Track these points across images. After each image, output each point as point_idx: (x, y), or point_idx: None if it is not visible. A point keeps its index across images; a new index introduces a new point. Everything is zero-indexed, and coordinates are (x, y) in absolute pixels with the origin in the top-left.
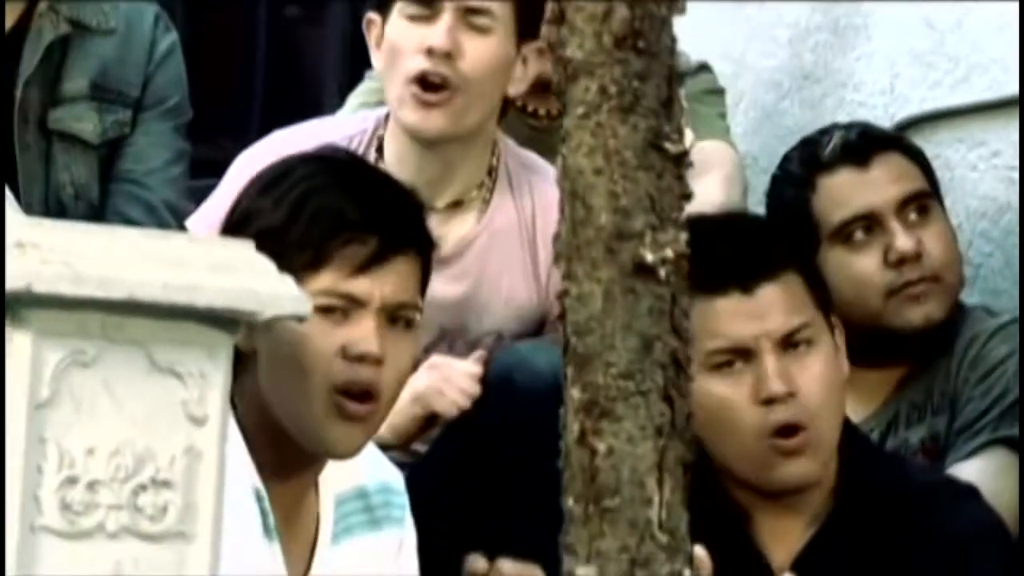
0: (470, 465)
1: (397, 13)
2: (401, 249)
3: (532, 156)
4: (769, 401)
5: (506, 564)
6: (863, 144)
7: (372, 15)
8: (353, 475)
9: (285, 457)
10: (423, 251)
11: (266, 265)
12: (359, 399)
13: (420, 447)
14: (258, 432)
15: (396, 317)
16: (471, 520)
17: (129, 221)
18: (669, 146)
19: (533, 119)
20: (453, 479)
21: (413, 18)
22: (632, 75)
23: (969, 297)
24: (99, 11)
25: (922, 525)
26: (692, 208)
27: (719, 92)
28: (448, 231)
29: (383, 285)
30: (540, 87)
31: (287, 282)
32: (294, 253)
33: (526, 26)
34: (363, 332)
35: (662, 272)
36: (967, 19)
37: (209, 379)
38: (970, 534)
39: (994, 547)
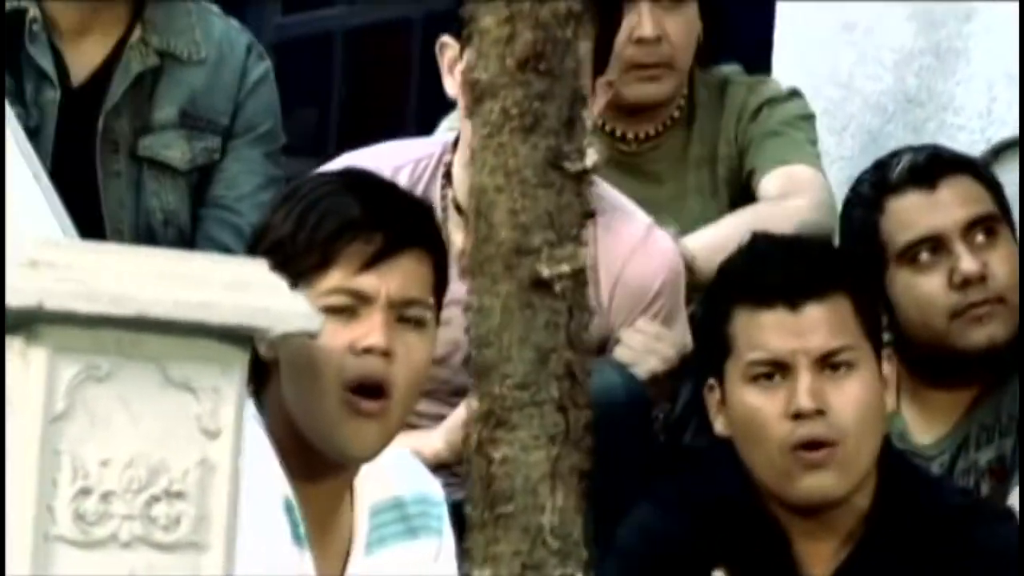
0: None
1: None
2: (407, 246)
3: (594, 179)
4: (798, 416)
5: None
6: (930, 167)
7: (447, 38)
8: (389, 486)
9: (313, 464)
10: (433, 250)
11: (277, 283)
12: (371, 395)
13: None
14: (285, 440)
15: (406, 315)
16: None
17: (220, 246)
18: (569, 165)
19: (622, 143)
20: None
21: None
22: (534, 96)
23: None
24: (191, 42)
25: (957, 546)
26: (782, 228)
27: (810, 118)
28: None
29: (390, 281)
30: (628, 111)
31: (298, 299)
32: (303, 257)
33: (599, 63)
34: (371, 327)
35: (558, 287)
36: None
37: (222, 394)
38: (1002, 555)
39: (1013, 570)
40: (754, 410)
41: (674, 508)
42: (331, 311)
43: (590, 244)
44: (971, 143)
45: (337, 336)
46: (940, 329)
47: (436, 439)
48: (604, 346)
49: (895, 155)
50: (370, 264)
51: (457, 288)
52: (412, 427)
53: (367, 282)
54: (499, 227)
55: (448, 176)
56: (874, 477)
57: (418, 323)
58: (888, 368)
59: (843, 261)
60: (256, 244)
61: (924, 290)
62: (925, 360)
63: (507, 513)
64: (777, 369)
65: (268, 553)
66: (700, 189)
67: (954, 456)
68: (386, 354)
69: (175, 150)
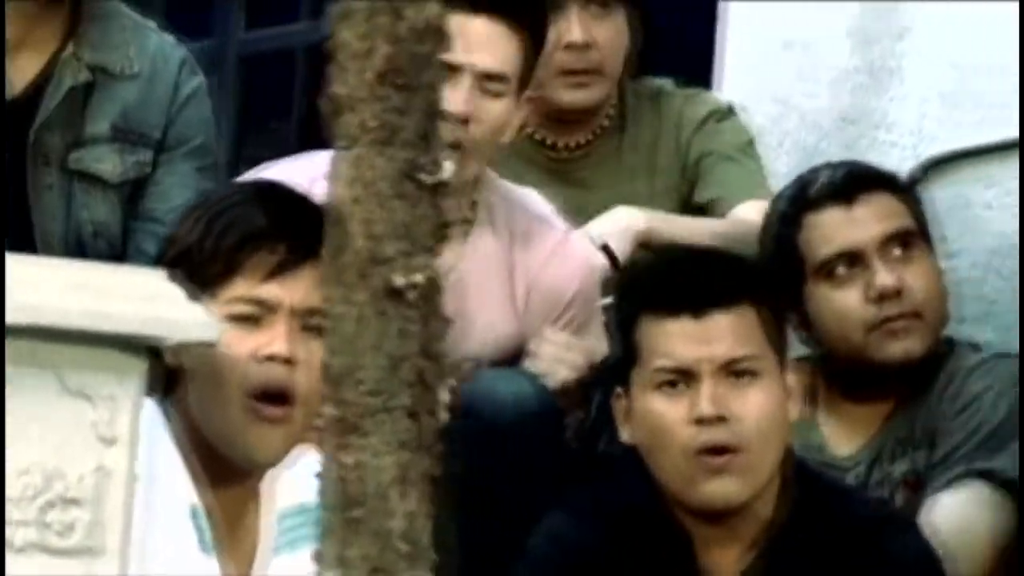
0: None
1: None
2: (310, 256)
3: (513, 188)
4: (700, 421)
5: None
6: (848, 183)
7: None
8: (297, 492)
9: (219, 470)
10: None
11: (176, 292)
12: (274, 402)
13: None
14: (192, 447)
15: (309, 323)
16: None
17: (150, 259)
18: (425, 177)
19: (552, 151)
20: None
21: None
22: (391, 110)
23: (983, 333)
24: (124, 57)
25: (866, 556)
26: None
27: (753, 141)
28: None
29: (293, 291)
30: (558, 119)
31: (196, 309)
32: (208, 266)
33: (525, 81)
34: (273, 335)
35: (411, 296)
36: (988, 60)
37: (119, 402)
38: (912, 566)
39: None
40: (659, 416)
41: (586, 516)
42: (236, 319)
43: (509, 252)
44: (902, 160)
45: (241, 344)
46: (857, 342)
47: None
48: (520, 354)
49: (814, 171)
50: (273, 274)
51: None
52: None
53: (270, 291)
54: (355, 237)
55: None
56: (777, 485)
57: (321, 331)
58: (792, 378)
59: (749, 272)
60: (165, 253)
61: (841, 304)
62: (843, 373)
63: (358, 517)
64: (682, 377)
65: (175, 559)
66: (635, 198)
67: (869, 467)
68: (288, 361)
69: (107, 163)
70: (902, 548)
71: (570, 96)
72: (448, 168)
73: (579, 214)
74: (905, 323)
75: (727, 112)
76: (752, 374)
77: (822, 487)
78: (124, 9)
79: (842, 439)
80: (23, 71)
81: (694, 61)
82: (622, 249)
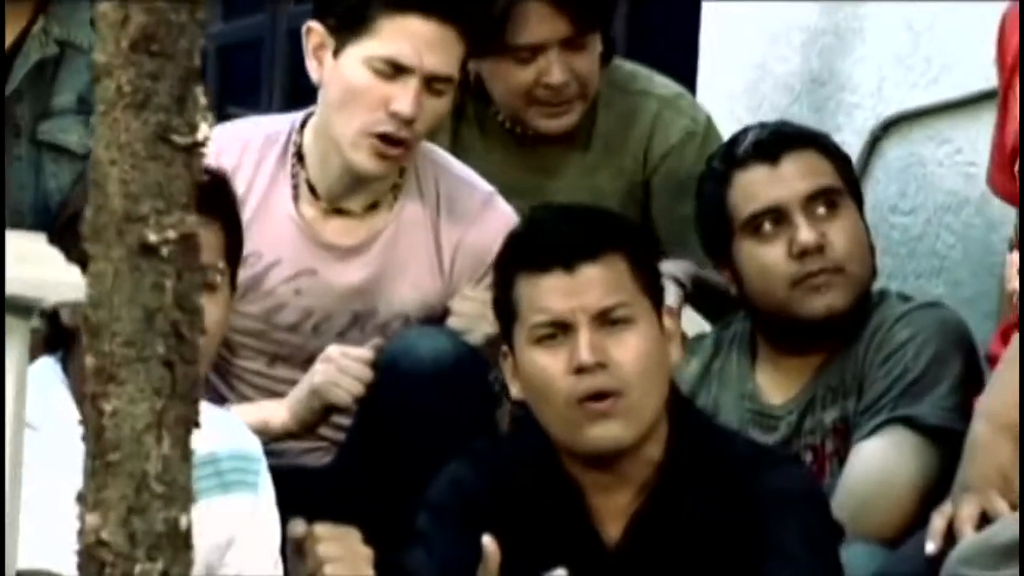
0: (367, 445)
1: (360, 60)
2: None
3: (438, 151)
4: (580, 370)
5: (320, 527)
6: (774, 142)
7: (312, 23)
8: (204, 442)
9: None
10: (223, 218)
11: (54, 255)
12: None
13: (331, 434)
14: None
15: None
16: (377, 498)
17: None
18: (178, 139)
19: (517, 135)
20: (360, 460)
21: (380, 73)
22: (145, 75)
23: (935, 287)
24: (92, 32)
25: (744, 492)
26: None
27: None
28: (362, 226)
29: None
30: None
31: (72, 271)
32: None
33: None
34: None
35: (165, 251)
36: (940, 21)
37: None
38: (774, 498)
39: (796, 510)
40: (540, 369)
41: (483, 464)
42: None
43: (435, 214)
44: (863, 121)
45: None
46: (781, 297)
47: (282, 410)
48: (446, 313)
49: (744, 131)
50: None
51: (307, 259)
52: (272, 393)
53: None
54: (112, 197)
55: (299, 156)
56: (664, 429)
57: (208, 287)
58: (671, 322)
59: (617, 224)
60: (58, 216)
61: (766, 260)
62: (772, 326)
63: (114, 461)
64: (559, 329)
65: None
66: (597, 193)
67: (801, 416)
68: None
69: (72, 134)
70: (780, 481)
71: (547, 124)
72: (204, 130)
73: (537, 198)
74: (827, 278)
75: (699, 133)
76: (626, 321)
77: (705, 429)
78: None
79: (775, 389)
80: None
81: (682, 30)
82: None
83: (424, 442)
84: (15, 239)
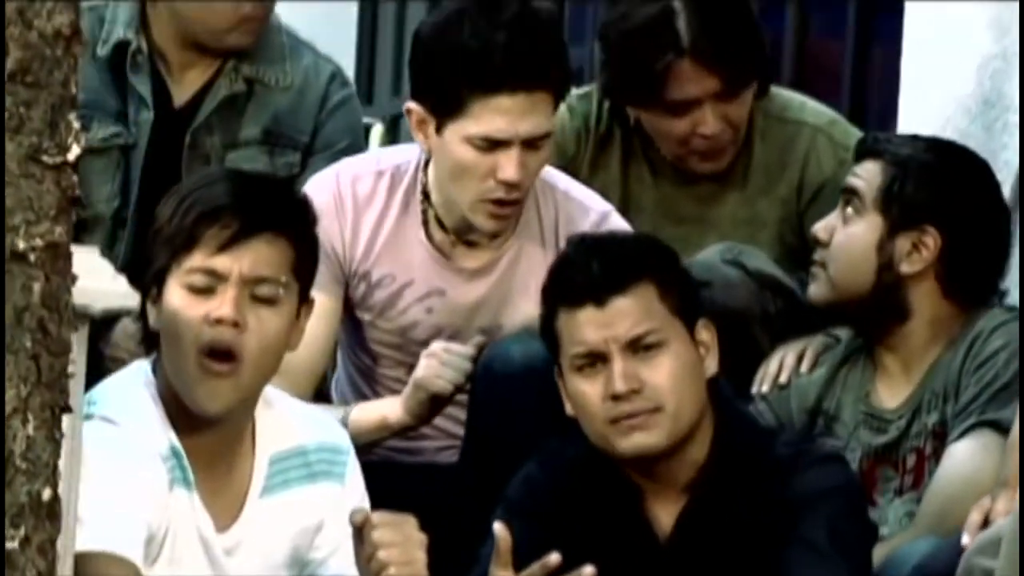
0: (471, 444)
1: (461, 138)
2: (260, 230)
3: (558, 176)
4: (615, 398)
5: (377, 514)
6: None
7: (413, 106)
8: (292, 436)
9: (194, 418)
10: (291, 233)
11: (104, 266)
12: (221, 359)
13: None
14: (169, 398)
15: (257, 292)
16: (480, 494)
17: None
18: (48, 159)
19: (676, 170)
20: (469, 458)
21: (481, 148)
22: (20, 103)
23: None
24: (281, 71)
25: (783, 491)
26: None
27: None
28: (487, 249)
29: (241, 261)
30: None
31: (119, 280)
32: (174, 239)
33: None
34: (223, 301)
35: (32, 257)
36: None
37: None
38: (807, 494)
39: (825, 505)
40: (581, 395)
41: (553, 463)
42: (192, 287)
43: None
44: None
45: (196, 308)
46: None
47: (397, 406)
48: None
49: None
50: (225, 246)
51: (436, 280)
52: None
53: (221, 262)
54: None
55: (425, 193)
56: (709, 431)
57: (269, 301)
58: (707, 335)
59: (644, 251)
60: (149, 228)
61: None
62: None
63: None
64: (595, 359)
65: (147, 493)
66: (755, 220)
67: (910, 419)
68: (236, 324)
69: (257, 163)
70: (815, 479)
71: (703, 167)
72: (75, 150)
73: (700, 226)
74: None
75: (851, 161)
76: (658, 345)
77: (748, 431)
78: (285, 29)
79: (892, 393)
80: (191, 83)
81: None
82: None
83: (516, 441)
84: None
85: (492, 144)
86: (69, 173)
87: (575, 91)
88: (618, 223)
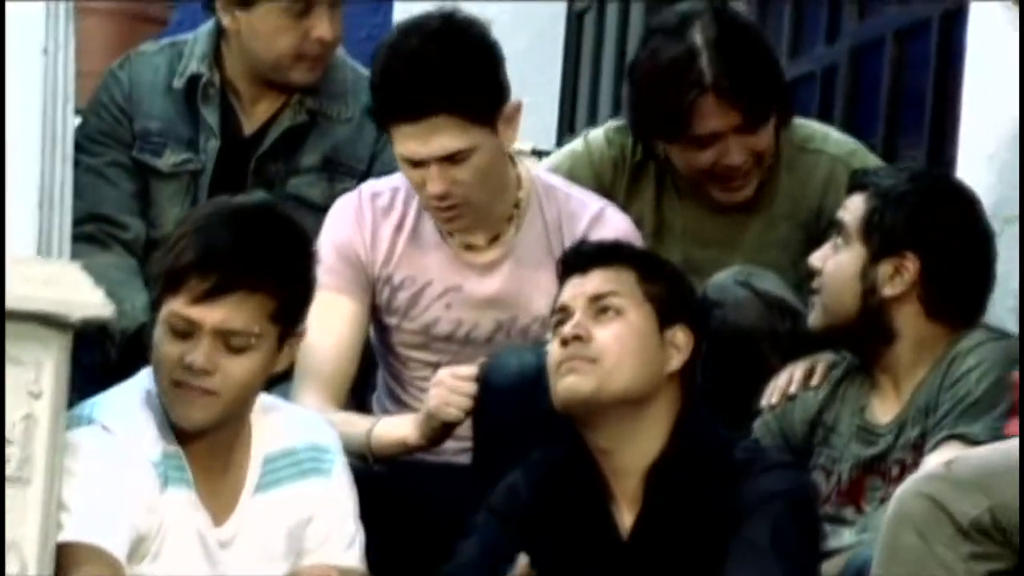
0: (476, 448)
1: (398, 156)
2: (234, 288)
3: (558, 182)
4: (564, 343)
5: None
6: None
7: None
8: (283, 438)
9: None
10: (269, 287)
11: (84, 279)
12: (195, 392)
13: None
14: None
15: (230, 343)
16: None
17: None
18: None
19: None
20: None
21: (410, 164)
22: None
23: None
24: (342, 104)
25: (731, 492)
26: None
27: None
28: (495, 247)
29: (214, 314)
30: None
31: (97, 293)
32: (165, 278)
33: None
34: (197, 348)
35: None
36: None
37: (43, 365)
38: (756, 497)
39: (771, 508)
40: (550, 351)
41: (534, 470)
42: (173, 329)
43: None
44: None
45: (174, 348)
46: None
47: (408, 426)
48: None
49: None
50: (200, 299)
51: (453, 276)
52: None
53: (197, 313)
54: None
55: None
56: (665, 427)
57: (241, 350)
58: (681, 337)
59: (634, 249)
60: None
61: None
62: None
63: None
64: (565, 315)
65: (135, 496)
66: (779, 242)
67: (898, 433)
68: (207, 372)
69: (316, 189)
70: (764, 483)
71: (728, 197)
72: None
73: (728, 249)
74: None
75: None
76: (617, 311)
77: (707, 435)
78: (349, 64)
79: (885, 409)
80: (260, 114)
81: None
82: None
83: (514, 443)
84: (49, 265)
85: (413, 163)
86: None
87: (612, 122)
88: (613, 216)
